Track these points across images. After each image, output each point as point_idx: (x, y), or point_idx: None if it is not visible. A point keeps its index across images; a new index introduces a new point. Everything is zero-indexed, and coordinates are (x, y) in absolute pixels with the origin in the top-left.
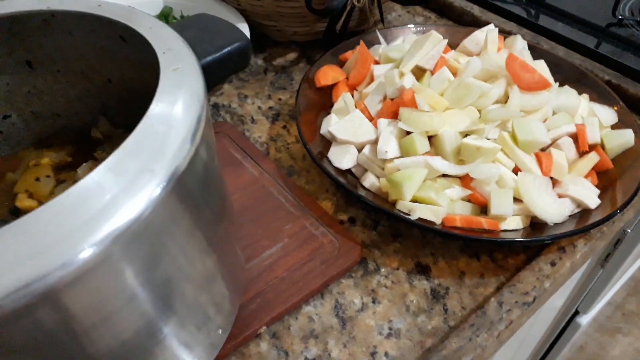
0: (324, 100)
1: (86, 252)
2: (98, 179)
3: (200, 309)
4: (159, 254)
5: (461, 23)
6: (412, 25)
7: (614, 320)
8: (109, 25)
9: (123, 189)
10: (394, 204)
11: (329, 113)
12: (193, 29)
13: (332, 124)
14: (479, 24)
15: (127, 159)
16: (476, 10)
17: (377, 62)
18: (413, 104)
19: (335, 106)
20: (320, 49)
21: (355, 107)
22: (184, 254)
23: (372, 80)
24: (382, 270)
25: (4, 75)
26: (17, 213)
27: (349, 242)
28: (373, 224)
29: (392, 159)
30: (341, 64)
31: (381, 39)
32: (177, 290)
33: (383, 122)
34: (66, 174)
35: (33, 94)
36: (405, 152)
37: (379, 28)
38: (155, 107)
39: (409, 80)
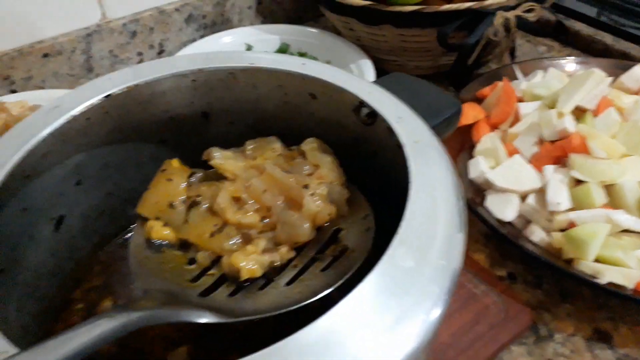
0: (463, 140)
1: None
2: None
3: None
4: None
5: (590, 52)
6: (547, 59)
7: None
8: (301, 81)
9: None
10: (567, 261)
11: (469, 154)
12: (401, 92)
13: (481, 168)
14: (612, 53)
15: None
16: (608, 38)
17: (519, 100)
18: (584, 150)
19: (480, 147)
20: (442, 82)
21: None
22: None
23: (516, 118)
24: (556, 336)
25: (181, 125)
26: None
27: (516, 304)
28: (536, 281)
29: (564, 211)
30: (478, 100)
31: (519, 75)
32: None
33: (549, 169)
34: (196, 189)
35: (202, 144)
36: (578, 204)
37: (503, 63)
38: (417, 195)
39: (570, 122)
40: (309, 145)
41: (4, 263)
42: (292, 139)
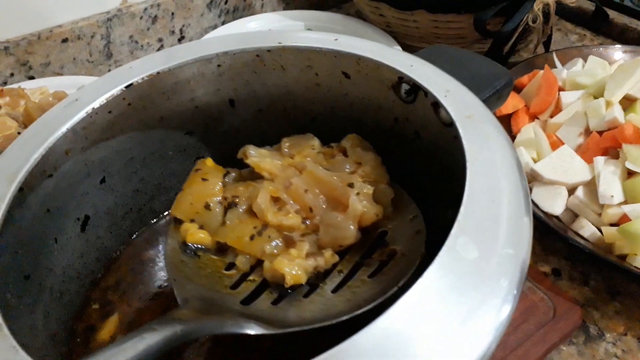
0: None
1: None
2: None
3: None
4: None
5: (623, 41)
6: (587, 47)
7: None
8: (333, 59)
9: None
10: (619, 257)
11: None
12: (444, 65)
13: (525, 159)
14: None
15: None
16: None
17: (560, 89)
18: (637, 140)
19: (520, 137)
20: None
21: None
22: None
23: (557, 108)
24: (607, 335)
25: (207, 114)
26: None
27: (565, 302)
28: (582, 277)
29: (617, 205)
30: (517, 90)
31: (558, 63)
32: None
33: (600, 160)
34: (233, 190)
35: (229, 133)
36: (632, 197)
37: (535, 52)
38: (475, 176)
39: (619, 112)
40: (350, 141)
41: (29, 269)
42: (324, 126)
